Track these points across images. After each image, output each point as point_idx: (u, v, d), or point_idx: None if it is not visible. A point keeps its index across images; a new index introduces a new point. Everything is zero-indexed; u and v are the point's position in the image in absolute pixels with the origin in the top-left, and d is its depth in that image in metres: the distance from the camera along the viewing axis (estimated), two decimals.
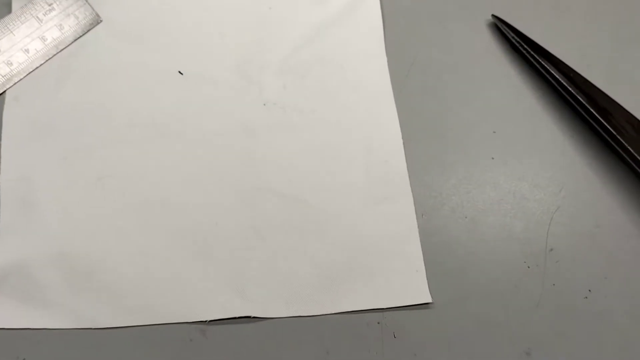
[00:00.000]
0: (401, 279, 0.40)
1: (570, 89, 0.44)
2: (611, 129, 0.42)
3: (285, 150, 0.44)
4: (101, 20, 0.48)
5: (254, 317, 0.38)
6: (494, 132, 0.45)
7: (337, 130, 0.45)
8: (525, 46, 0.47)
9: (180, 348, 0.37)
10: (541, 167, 0.44)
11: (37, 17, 0.46)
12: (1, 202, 0.40)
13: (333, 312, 0.39)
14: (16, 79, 0.44)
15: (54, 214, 0.40)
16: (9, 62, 0.45)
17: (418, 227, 0.41)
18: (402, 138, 0.44)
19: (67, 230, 0.40)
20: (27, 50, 0.45)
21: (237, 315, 0.38)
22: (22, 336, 0.37)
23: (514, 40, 0.48)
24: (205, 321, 0.38)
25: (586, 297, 0.39)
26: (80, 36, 0.47)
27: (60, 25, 0.46)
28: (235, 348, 0.37)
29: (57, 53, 0.46)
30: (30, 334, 0.37)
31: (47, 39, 0.46)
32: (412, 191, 0.42)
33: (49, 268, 0.39)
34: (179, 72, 0.46)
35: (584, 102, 0.44)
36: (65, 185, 0.41)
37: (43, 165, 0.42)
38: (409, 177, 0.43)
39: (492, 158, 0.44)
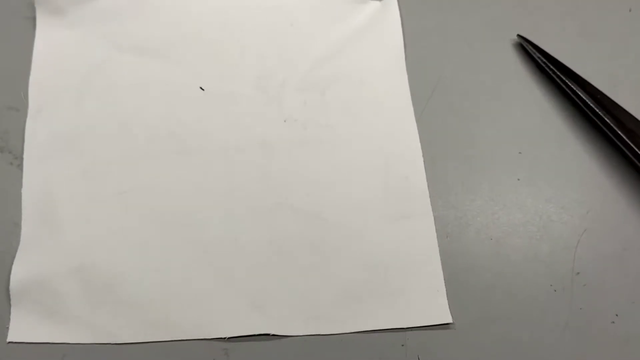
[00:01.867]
0: (421, 299, 0.39)
1: (597, 110, 0.44)
2: (638, 151, 0.42)
3: (305, 166, 0.44)
4: None
5: (274, 335, 0.38)
6: (520, 152, 0.44)
7: (357, 146, 0.44)
8: (552, 66, 0.47)
9: None
10: (568, 189, 0.43)
11: None
12: (23, 216, 0.40)
13: (352, 331, 0.38)
14: None
15: (74, 228, 0.40)
16: None
17: (442, 248, 0.41)
18: (426, 158, 0.44)
19: (88, 244, 0.40)
20: None
21: (257, 333, 0.38)
22: (43, 351, 0.37)
23: (539, 61, 0.47)
24: (225, 338, 0.37)
25: (613, 322, 0.39)
26: None
27: None
28: None
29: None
30: (52, 348, 0.37)
31: None
32: (436, 212, 0.42)
33: (70, 282, 0.38)
34: (200, 87, 0.46)
35: (610, 124, 0.43)
36: (86, 200, 0.41)
37: (64, 179, 0.42)
38: (434, 197, 0.43)
39: (518, 179, 0.43)
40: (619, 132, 0.43)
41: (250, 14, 0.50)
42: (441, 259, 0.40)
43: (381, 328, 0.38)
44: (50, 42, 0.47)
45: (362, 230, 0.41)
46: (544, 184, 0.43)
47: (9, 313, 0.37)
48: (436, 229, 0.41)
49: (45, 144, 0.43)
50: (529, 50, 0.48)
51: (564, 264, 0.40)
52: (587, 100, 0.44)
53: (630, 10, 0.52)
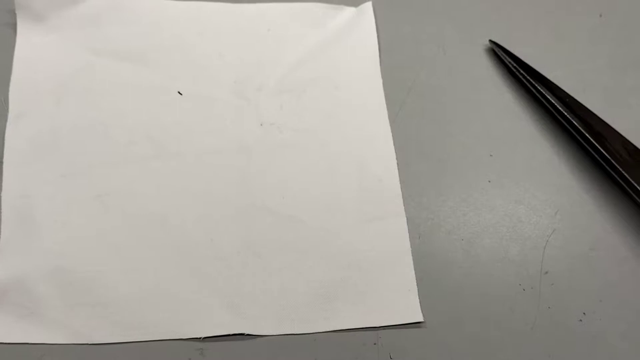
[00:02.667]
0: (393, 298, 0.40)
1: (566, 113, 0.45)
2: (606, 154, 0.43)
3: (281, 169, 0.44)
4: None
5: (249, 335, 0.38)
6: (491, 155, 0.45)
7: (332, 149, 0.45)
8: (522, 71, 0.48)
9: None
10: (537, 191, 0.44)
11: None
12: (2, 218, 0.41)
13: (325, 330, 0.39)
14: None
15: (52, 231, 0.41)
16: None
17: (414, 248, 0.41)
18: (400, 160, 0.45)
19: (66, 247, 0.40)
20: None
21: (231, 333, 0.38)
22: (20, 351, 0.37)
23: (510, 65, 0.48)
24: (200, 338, 0.38)
25: (581, 320, 0.40)
26: None
27: None
28: None
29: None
30: (30, 349, 0.37)
31: None
32: (408, 213, 0.43)
33: (47, 284, 0.39)
34: (178, 92, 0.47)
35: (579, 127, 0.44)
36: (64, 203, 0.42)
37: (43, 183, 0.42)
38: (406, 199, 0.43)
39: (489, 181, 0.44)
40: (587, 135, 0.44)
41: (228, 19, 0.50)
42: (413, 259, 0.41)
43: (354, 327, 0.39)
44: (31, 47, 0.47)
45: (336, 231, 0.42)
46: (514, 186, 0.44)
47: None
48: (408, 230, 0.42)
49: (24, 147, 0.43)
50: (500, 55, 0.49)
51: (533, 263, 0.41)
52: (556, 104, 0.46)
53: (600, 16, 0.53)
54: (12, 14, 0.48)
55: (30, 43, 0.48)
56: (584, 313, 0.40)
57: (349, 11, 0.51)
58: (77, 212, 0.41)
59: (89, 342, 0.37)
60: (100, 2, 0.50)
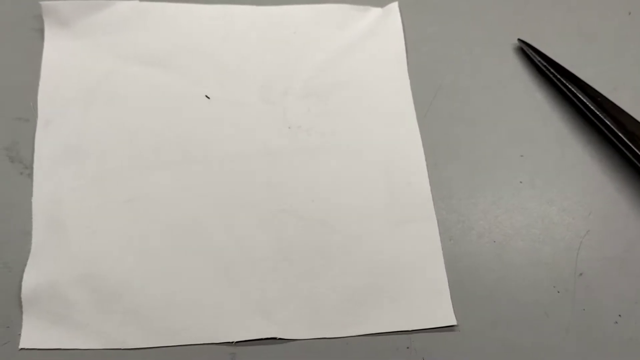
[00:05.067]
0: (425, 302, 0.40)
1: (597, 112, 0.44)
2: (639, 153, 0.42)
3: (309, 173, 0.44)
4: None
5: (280, 339, 0.38)
6: (522, 155, 0.45)
7: (360, 152, 0.45)
8: (552, 70, 0.47)
9: None
10: (569, 191, 0.44)
11: None
12: (33, 224, 0.41)
13: (357, 334, 0.38)
14: None
15: (83, 237, 0.41)
16: None
17: (445, 251, 0.41)
18: (429, 162, 0.44)
19: (96, 252, 0.40)
20: None
21: (263, 337, 0.38)
22: (52, 357, 0.37)
23: (540, 64, 0.48)
24: (232, 342, 0.38)
25: (616, 322, 0.39)
26: None
27: None
28: None
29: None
30: (63, 355, 0.37)
31: None
32: (439, 216, 0.42)
33: (79, 289, 0.39)
34: (206, 96, 0.47)
35: (611, 126, 0.44)
36: (94, 208, 0.42)
37: (73, 188, 0.42)
38: (436, 201, 0.43)
39: (520, 182, 0.44)
40: (620, 134, 0.43)
41: (253, 22, 0.50)
42: (445, 262, 0.41)
43: (386, 331, 0.39)
44: (58, 53, 0.48)
45: (366, 235, 0.42)
46: (546, 187, 0.44)
47: (21, 320, 0.38)
48: (439, 233, 0.42)
49: (54, 153, 0.44)
50: (529, 54, 0.49)
51: (567, 265, 0.41)
52: (587, 103, 0.45)
53: (629, 14, 0.52)
54: (40, 20, 0.48)
55: (57, 49, 0.48)
56: (620, 315, 0.39)
57: (374, 12, 0.51)
58: (107, 218, 0.42)
59: (122, 348, 0.38)
60: (126, 8, 0.50)
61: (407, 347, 0.38)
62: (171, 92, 0.47)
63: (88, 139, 0.44)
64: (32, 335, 0.38)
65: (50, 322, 0.38)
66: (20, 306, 0.38)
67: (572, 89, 0.46)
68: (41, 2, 0.48)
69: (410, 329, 0.39)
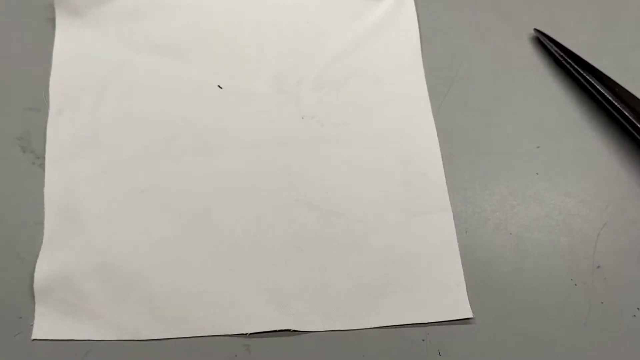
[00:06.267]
0: (441, 294, 0.39)
1: (615, 103, 0.44)
2: None
3: (323, 163, 0.44)
4: None
5: (295, 331, 0.38)
6: (538, 147, 0.44)
7: (374, 143, 0.45)
8: (569, 60, 0.46)
9: None
10: (587, 183, 0.43)
11: None
12: (45, 214, 0.41)
13: (372, 327, 0.38)
14: None
15: (96, 227, 0.41)
16: None
17: (461, 243, 0.41)
18: (444, 153, 0.44)
19: (109, 242, 0.40)
20: None
21: (277, 329, 0.38)
22: (65, 348, 0.37)
23: (557, 54, 0.47)
24: (246, 334, 0.38)
25: (634, 316, 0.39)
26: None
27: None
28: None
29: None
30: (75, 346, 0.37)
31: None
32: (454, 207, 0.42)
33: (92, 280, 0.39)
34: (218, 86, 0.46)
35: (629, 117, 0.43)
36: (107, 198, 0.42)
37: (85, 178, 0.42)
38: (452, 192, 0.42)
39: (537, 173, 0.43)
40: (638, 125, 0.42)
41: (266, 13, 0.50)
42: (460, 254, 0.40)
43: (401, 323, 0.38)
44: (70, 42, 0.47)
45: (381, 227, 0.41)
46: (562, 178, 0.43)
47: (33, 311, 0.38)
48: (455, 224, 0.41)
49: (66, 143, 0.43)
50: (546, 44, 0.48)
51: (584, 257, 0.40)
52: (605, 93, 0.44)
53: None
54: (51, 9, 0.48)
55: (69, 38, 0.48)
56: (638, 308, 0.39)
57: (388, 2, 0.50)
58: (120, 208, 0.41)
59: (135, 338, 0.37)
60: None
61: (423, 340, 0.38)
62: (184, 82, 0.46)
63: (101, 129, 0.44)
64: (44, 326, 0.38)
65: (63, 312, 0.38)
66: (33, 297, 0.38)
67: (589, 79, 0.45)
68: None
69: (425, 322, 0.38)
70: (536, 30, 0.49)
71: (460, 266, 0.40)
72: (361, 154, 0.44)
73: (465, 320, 0.38)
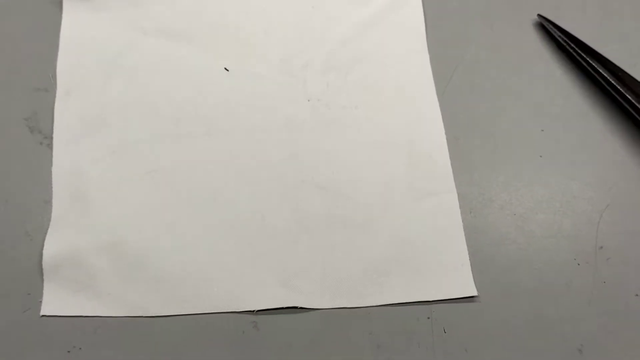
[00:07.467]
0: (446, 273, 0.40)
1: (618, 87, 0.44)
2: None
3: (330, 145, 0.44)
4: None
5: (302, 308, 0.38)
6: (542, 130, 0.45)
7: (380, 126, 0.45)
8: (572, 45, 0.47)
9: (233, 339, 0.37)
10: (590, 166, 0.44)
11: None
12: (54, 194, 0.41)
13: (378, 304, 0.39)
14: None
15: (104, 206, 0.41)
16: None
17: (466, 224, 0.41)
18: (450, 136, 0.44)
19: (117, 221, 0.40)
20: None
21: (284, 306, 0.38)
22: (75, 324, 0.37)
23: (560, 40, 0.48)
24: (253, 311, 0.38)
25: (637, 295, 0.39)
26: None
27: None
28: (287, 340, 0.37)
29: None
30: (84, 322, 0.37)
31: None
32: (459, 189, 0.42)
33: (100, 258, 0.39)
34: (225, 68, 0.47)
35: (632, 100, 0.43)
36: (115, 179, 0.42)
37: (93, 159, 0.42)
38: (457, 174, 0.43)
39: (541, 156, 0.44)
40: None
41: None
42: (465, 235, 0.41)
43: (407, 301, 0.39)
44: (77, 25, 0.48)
45: (387, 208, 0.42)
46: (566, 161, 0.44)
47: (42, 288, 0.38)
48: (460, 206, 0.42)
49: (74, 124, 0.44)
50: (549, 30, 0.49)
51: (588, 238, 0.41)
52: (608, 78, 0.45)
53: None
54: None
55: (76, 20, 0.48)
56: None
57: None
58: (128, 188, 0.42)
59: (144, 315, 0.38)
60: None
61: (428, 318, 0.38)
62: (191, 65, 0.47)
63: (108, 109, 0.44)
64: (53, 302, 0.38)
65: (72, 289, 0.38)
66: (42, 274, 0.38)
67: (593, 64, 0.46)
68: None
69: (431, 300, 0.39)
70: (540, 15, 0.49)
71: (465, 246, 0.40)
72: (367, 136, 0.44)
73: (470, 298, 0.39)
